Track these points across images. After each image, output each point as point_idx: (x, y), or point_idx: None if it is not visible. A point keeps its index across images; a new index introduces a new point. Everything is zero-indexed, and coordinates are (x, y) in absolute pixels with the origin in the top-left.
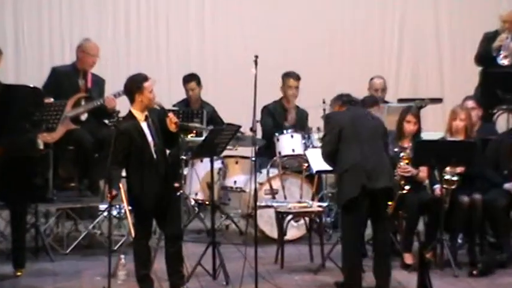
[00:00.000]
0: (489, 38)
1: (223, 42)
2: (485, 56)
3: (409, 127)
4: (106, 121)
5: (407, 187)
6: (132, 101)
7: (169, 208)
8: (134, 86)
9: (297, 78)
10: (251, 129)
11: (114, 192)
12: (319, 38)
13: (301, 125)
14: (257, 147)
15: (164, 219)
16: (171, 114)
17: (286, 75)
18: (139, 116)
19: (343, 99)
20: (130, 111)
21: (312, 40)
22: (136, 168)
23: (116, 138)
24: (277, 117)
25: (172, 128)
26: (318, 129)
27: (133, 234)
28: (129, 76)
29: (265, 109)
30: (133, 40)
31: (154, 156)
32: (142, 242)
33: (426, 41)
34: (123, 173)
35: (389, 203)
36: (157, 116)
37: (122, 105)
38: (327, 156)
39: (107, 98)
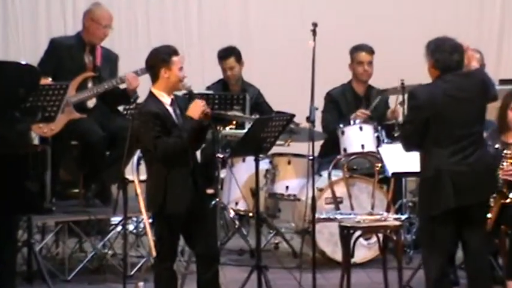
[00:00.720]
0: None
1: (271, 6)
2: None
3: None
4: (120, 109)
5: (511, 195)
6: (155, 78)
7: (202, 221)
8: (160, 58)
9: (370, 51)
10: (308, 120)
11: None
12: (397, 5)
13: (380, 112)
14: (316, 143)
15: (195, 235)
16: (199, 101)
17: (356, 49)
18: (164, 98)
19: (437, 57)
20: (151, 92)
21: (389, 5)
22: (161, 168)
23: (145, 123)
24: (343, 106)
25: (199, 117)
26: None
27: (154, 255)
28: (153, 48)
29: (329, 97)
30: (154, 5)
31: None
32: (167, 264)
33: None
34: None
35: (488, 215)
36: (184, 104)
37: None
38: (411, 149)
39: (128, 75)
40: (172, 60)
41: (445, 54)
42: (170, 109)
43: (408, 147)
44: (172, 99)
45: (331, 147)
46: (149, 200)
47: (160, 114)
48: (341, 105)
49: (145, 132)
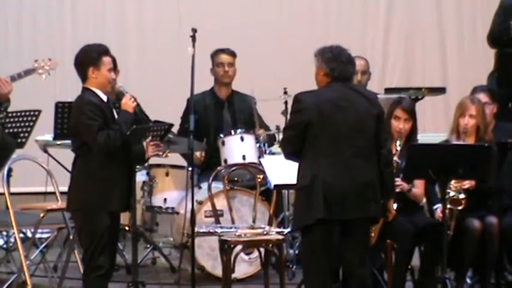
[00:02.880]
0: (507, 8)
1: (150, 10)
2: (503, 32)
3: (398, 125)
4: None
5: (394, 206)
6: (83, 77)
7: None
8: (88, 57)
9: (231, 53)
10: (186, 129)
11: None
12: (281, 10)
13: (243, 118)
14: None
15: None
16: (129, 95)
17: (216, 52)
18: (100, 94)
19: (332, 66)
20: (85, 87)
21: (270, 13)
22: (99, 164)
23: (86, 113)
24: (201, 112)
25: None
26: (278, 128)
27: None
28: (84, 45)
29: (188, 103)
30: (26, 4)
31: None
32: (101, 271)
33: (422, 11)
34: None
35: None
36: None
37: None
38: (290, 157)
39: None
40: (101, 60)
41: (341, 64)
42: (107, 105)
43: (287, 154)
44: (108, 98)
45: (211, 158)
46: (80, 197)
47: (101, 106)
48: (198, 110)
49: (85, 123)
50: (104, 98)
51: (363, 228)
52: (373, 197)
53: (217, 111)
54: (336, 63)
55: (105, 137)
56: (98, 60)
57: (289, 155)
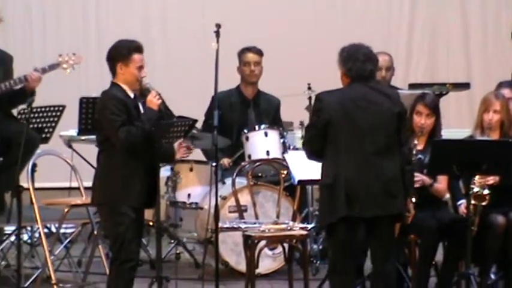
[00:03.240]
0: None
1: (174, 6)
2: None
3: (420, 121)
4: (15, 113)
5: (413, 200)
6: (112, 72)
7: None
8: (118, 53)
9: (258, 52)
10: (210, 124)
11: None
12: (305, 7)
13: (267, 119)
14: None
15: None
16: (155, 93)
17: (242, 50)
18: (128, 90)
19: (349, 66)
20: (114, 82)
21: (294, 9)
22: (121, 159)
23: (109, 108)
24: (227, 110)
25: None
26: (302, 124)
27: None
28: (117, 40)
29: (213, 100)
30: (50, 4)
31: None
32: (131, 264)
33: (446, 6)
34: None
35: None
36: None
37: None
38: (312, 156)
39: (32, 75)
40: (131, 57)
41: (357, 63)
42: (133, 102)
43: (309, 153)
44: (135, 95)
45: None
46: (103, 191)
47: (126, 102)
48: (223, 108)
49: (108, 118)
50: (131, 94)
51: (387, 226)
52: (397, 193)
53: (242, 110)
54: (352, 62)
55: (126, 133)
56: (126, 57)
57: (311, 155)
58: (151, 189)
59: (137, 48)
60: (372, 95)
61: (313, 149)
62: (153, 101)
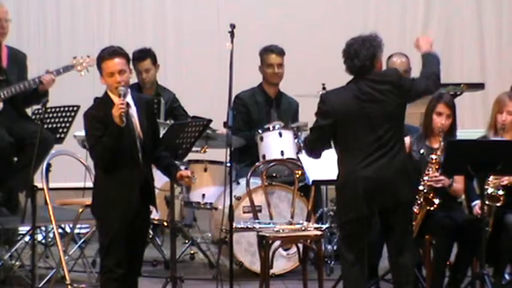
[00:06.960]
0: None
1: (189, 6)
2: None
3: (441, 121)
4: (29, 113)
5: (436, 201)
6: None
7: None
8: (96, 63)
9: (280, 53)
10: (225, 125)
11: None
12: (319, 5)
13: (287, 119)
14: (233, 149)
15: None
16: (117, 102)
17: (265, 50)
18: (114, 98)
19: (346, 65)
20: (106, 93)
21: (308, 8)
22: (101, 173)
23: (87, 125)
24: (254, 109)
25: (117, 121)
26: None
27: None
28: None
29: (239, 100)
30: (64, 4)
31: (140, 154)
32: (116, 273)
33: (461, 6)
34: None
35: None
36: (145, 106)
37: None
38: (312, 156)
39: (46, 77)
40: (102, 66)
41: (348, 61)
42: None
43: (309, 153)
44: (135, 95)
45: (250, 154)
46: (94, 201)
47: (103, 118)
48: (251, 108)
49: (87, 135)
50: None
51: (401, 214)
52: (406, 181)
53: (267, 109)
54: (345, 59)
55: (94, 153)
56: (100, 67)
57: (310, 154)
58: (145, 190)
59: (109, 53)
60: (373, 88)
61: (314, 149)
62: (114, 114)
